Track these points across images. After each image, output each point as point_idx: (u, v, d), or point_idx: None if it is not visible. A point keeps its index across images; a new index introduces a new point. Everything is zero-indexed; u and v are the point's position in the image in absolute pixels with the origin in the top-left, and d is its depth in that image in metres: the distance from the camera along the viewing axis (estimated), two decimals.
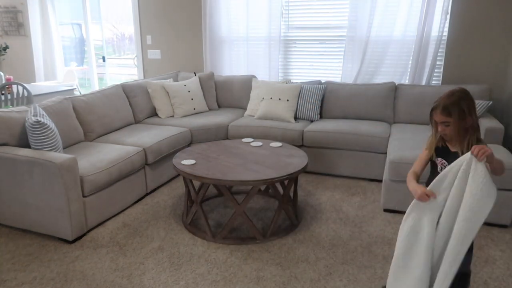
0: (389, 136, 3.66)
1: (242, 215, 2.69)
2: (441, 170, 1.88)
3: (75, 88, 5.77)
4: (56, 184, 2.55)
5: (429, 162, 1.99)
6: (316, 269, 2.41)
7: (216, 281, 2.28)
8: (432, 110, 1.87)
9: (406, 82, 4.31)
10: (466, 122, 1.81)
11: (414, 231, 1.87)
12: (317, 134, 3.82)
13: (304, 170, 2.76)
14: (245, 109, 4.62)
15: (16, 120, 2.88)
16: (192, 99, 4.43)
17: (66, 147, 3.23)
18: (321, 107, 4.26)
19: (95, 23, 6.60)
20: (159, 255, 2.54)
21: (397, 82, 4.22)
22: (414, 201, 1.84)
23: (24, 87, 4.28)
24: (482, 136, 3.25)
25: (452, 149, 1.92)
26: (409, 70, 4.28)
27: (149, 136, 3.55)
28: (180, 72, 5.07)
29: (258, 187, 2.72)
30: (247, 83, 4.65)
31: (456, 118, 1.79)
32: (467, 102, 1.82)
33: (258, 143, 3.27)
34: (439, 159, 1.95)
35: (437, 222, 1.81)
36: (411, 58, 4.22)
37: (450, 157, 1.89)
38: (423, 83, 4.22)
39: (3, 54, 6.40)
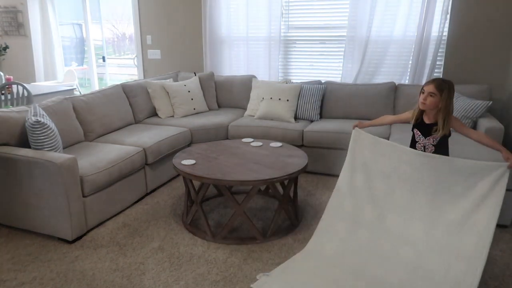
0: (389, 136, 3.66)
1: (242, 215, 2.69)
2: (418, 139, 2.42)
3: (75, 88, 5.78)
4: (56, 184, 2.55)
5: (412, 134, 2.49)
6: None
7: (216, 281, 2.28)
8: (426, 84, 2.32)
9: (406, 82, 4.31)
10: (446, 101, 2.26)
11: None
12: (317, 134, 3.82)
13: (304, 170, 2.76)
14: (245, 109, 4.62)
15: (16, 120, 2.88)
16: (192, 99, 4.43)
17: (66, 147, 3.23)
18: (321, 107, 4.26)
19: (95, 23, 6.60)
20: (159, 255, 2.54)
21: (397, 82, 4.22)
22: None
23: (24, 87, 4.28)
24: None
25: (427, 121, 2.38)
26: (409, 70, 4.28)
27: (149, 136, 3.55)
28: (180, 72, 5.07)
29: (258, 187, 2.72)
30: (247, 83, 4.65)
31: (444, 94, 2.26)
32: (453, 89, 2.31)
33: (258, 143, 3.27)
34: (416, 130, 2.44)
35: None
36: (411, 58, 4.22)
37: (424, 128, 2.39)
38: (423, 83, 4.19)
39: (3, 54, 6.40)
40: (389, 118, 2.66)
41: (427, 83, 2.32)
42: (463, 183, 2.15)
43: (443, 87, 2.26)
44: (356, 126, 2.63)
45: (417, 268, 2.17)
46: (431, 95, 2.27)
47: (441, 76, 4.25)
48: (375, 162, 2.47)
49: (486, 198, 2.09)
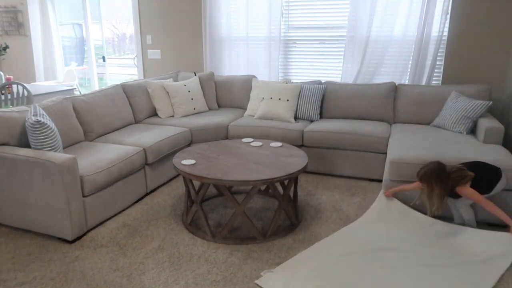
0: (389, 136, 3.66)
1: (242, 215, 2.69)
2: None
3: (75, 88, 5.78)
4: (56, 184, 2.55)
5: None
6: None
7: (216, 281, 2.28)
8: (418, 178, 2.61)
9: (406, 82, 4.31)
10: (437, 186, 2.50)
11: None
12: (317, 134, 3.82)
13: (304, 170, 2.76)
14: (245, 109, 4.62)
15: (16, 120, 2.88)
16: (192, 99, 4.43)
17: (66, 147, 3.23)
18: (321, 107, 4.26)
19: (95, 23, 6.60)
20: (159, 255, 2.54)
21: (397, 82, 4.23)
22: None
23: (24, 87, 4.28)
24: (482, 137, 3.27)
25: None
26: (409, 70, 4.28)
27: (149, 136, 3.55)
28: (180, 72, 5.07)
29: (258, 187, 2.72)
30: (247, 83, 4.65)
31: (430, 183, 2.52)
32: (440, 169, 2.53)
33: (258, 143, 3.27)
34: None
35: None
36: (411, 58, 4.23)
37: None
38: (423, 83, 4.22)
39: (3, 54, 6.40)
40: (407, 186, 2.90)
41: (418, 178, 2.60)
42: (476, 249, 2.48)
43: (427, 178, 2.53)
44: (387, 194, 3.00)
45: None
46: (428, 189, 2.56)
47: (440, 77, 4.25)
48: (397, 222, 2.81)
49: (491, 262, 2.35)
